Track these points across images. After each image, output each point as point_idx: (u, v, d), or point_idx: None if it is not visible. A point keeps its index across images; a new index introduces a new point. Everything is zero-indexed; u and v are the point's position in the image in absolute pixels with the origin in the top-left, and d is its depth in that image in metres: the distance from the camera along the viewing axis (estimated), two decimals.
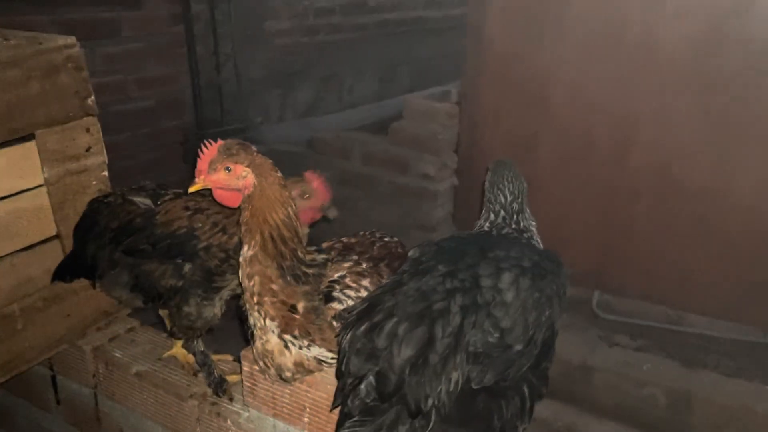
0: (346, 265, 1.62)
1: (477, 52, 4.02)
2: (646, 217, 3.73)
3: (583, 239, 3.95)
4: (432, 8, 7.52)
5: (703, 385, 3.12)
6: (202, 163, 1.55)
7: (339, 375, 1.33)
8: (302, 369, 1.59)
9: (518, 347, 1.31)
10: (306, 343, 1.54)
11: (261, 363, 1.61)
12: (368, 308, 1.33)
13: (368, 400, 1.25)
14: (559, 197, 3.96)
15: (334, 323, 1.52)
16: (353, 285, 1.57)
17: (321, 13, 6.34)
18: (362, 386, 1.26)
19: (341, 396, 1.30)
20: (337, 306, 1.53)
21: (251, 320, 1.59)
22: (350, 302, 1.53)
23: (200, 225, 1.82)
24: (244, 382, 1.73)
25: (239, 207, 1.59)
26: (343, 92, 6.91)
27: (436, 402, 1.24)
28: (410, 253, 1.55)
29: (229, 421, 1.82)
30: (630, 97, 3.57)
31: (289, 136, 5.34)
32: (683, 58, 3.36)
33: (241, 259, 1.57)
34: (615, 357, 3.37)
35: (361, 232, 1.93)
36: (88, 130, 1.95)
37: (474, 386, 1.28)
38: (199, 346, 1.96)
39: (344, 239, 1.81)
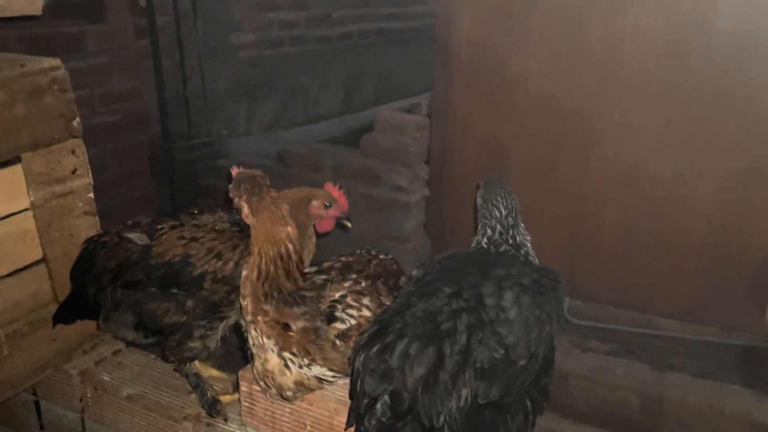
0: (346, 284, 1.65)
1: (446, 64, 4.09)
2: (612, 224, 3.85)
3: (553, 246, 4.05)
4: (395, 20, 7.61)
5: (673, 386, 3.23)
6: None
7: (353, 395, 1.35)
8: (303, 388, 1.61)
9: (522, 362, 1.35)
10: (306, 362, 1.56)
11: (262, 383, 1.62)
12: (379, 330, 1.37)
13: (384, 419, 1.29)
14: (529, 205, 3.99)
15: (338, 342, 1.54)
16: (354, 304, 1.60)
17: (285, 25, 6.36)
18: (378, 406, 1.29)
19: (356, 416, 1.32)
20: (340, 326, 1.56)
21: (249, 339, 1.60)
22: (353, 321, 1.57)
23: (194, 252, 1.83)
24: (242, 402, 1.74)
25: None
26: (308, 104, 6.92)
27: (447, 418, 1.27)
28: (414, 273, 1.58)
29: None
30: (595, 109, 3.69)
31: (256, 148, 5.32)
32: (644, 72, 3.49)
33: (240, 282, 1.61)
34: (589, 362, 3.46)
35: (358, 251, 1.96)
36: (73, 152, 1.93)
37: (480, 401, 1.32)
38: (192, 368, 1.96)
39: (343, 258, 1.83)
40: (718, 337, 3.66)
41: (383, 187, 4.34)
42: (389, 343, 1.31)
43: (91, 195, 2.03)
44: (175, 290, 1.82)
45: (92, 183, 2.05)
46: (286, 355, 1.57)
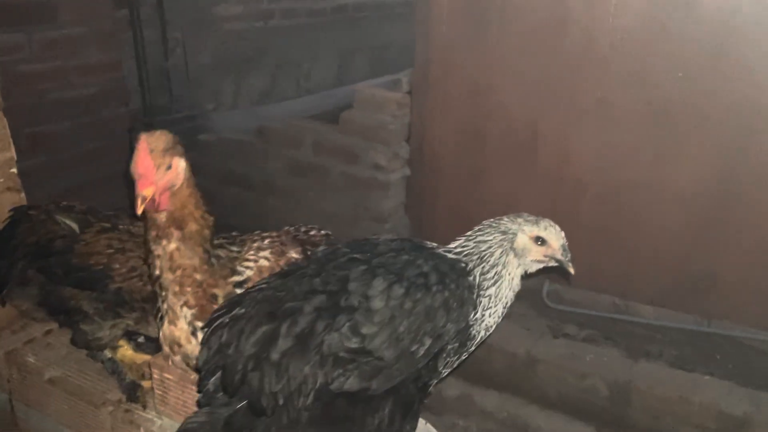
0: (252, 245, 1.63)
1: (425, 42, 3.97)
2: (590, 207, 3.75)
3: None
4: None
5: (643, 375, 3.15)
6: (145, 169, 1.40)
7: (196, 369, 1.36)
8: None
9: (387, 355, 1.27)
10: None
11: (167, 348, 1.58)
12: (229, 305, 1.33)
13: (218, 396, 1.27)
14: (507, 187, 3.96)
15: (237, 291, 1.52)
16: (252, 257, 1.57)
17: None
18: (212, 380, 1.28)
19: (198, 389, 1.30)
20: (236, 278, 1.55)
21: (164, 306, 1.56)
22: (249, 273, 1.54)
23: (117, 266, 1.77)
24: (155, 390, 1.69)
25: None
26: (299, 79, 6.81)
27: (281, 401, 1.23)
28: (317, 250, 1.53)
29: (142, 429, 1.76)
30: (574, 88, 3.56)
31: (241, 123, 5.22)
32: (623, 52, 3.35)
33: (158, 252, 1.52)
34: (559, 348, 3.39)
35: (287, 227, 1.89)
36: None
37: (334, 390, 1.26)
38: (106, 354, 1.90)
39: (265, 235, 1.76)
40: (698, 325, 3.57)
41: (362, 166, 4.26)
42: (233, 317, 1.28)
43: (14, 170, 1.95)
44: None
45: (15, 158, 1.97)
46: (198, 324, 1.54)
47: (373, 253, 1.38)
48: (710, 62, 3.16)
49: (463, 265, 1.44)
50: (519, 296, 4.07)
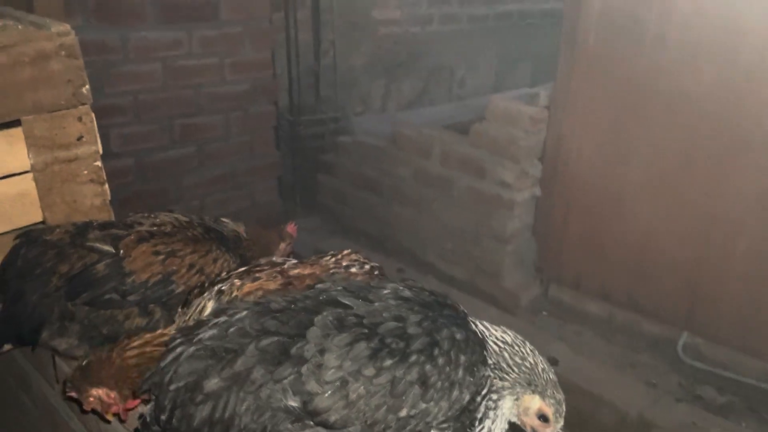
0: None
1: (570, 53, 3.63)
2: (748, 253, 3.21)
3: (672, 270, 3.47)
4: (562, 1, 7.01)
5: None
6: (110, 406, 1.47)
7: None
8: None
9: (332, 423, 1.06)
10: None
11: None
12: (193, 325, 1.23)
13: (154, 428, 1.16)
14: (648, 220, 3.51)
15: None
16: None
17: (436, 1, 6.13)
18: (149, 410, 1.18)
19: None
20: None
21: None
22: None
23: (175, 269, 1.70)
24: None
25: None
26: (453, 85, 6.66)
27: None
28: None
29: None
30: (741, 114, 3.06)
31: (382, 128, 5.16)
32: None
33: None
34: (680, 414, 2.91)
35: (324, 262, 1.69)
36: (80, 119, 1.93)
37: None
38: None
39: (296, 270, 1.60)
40: None
41: (488, 181, 4.01)
42: (182, 342, 1.16)
43: (99, 164, 2.02)
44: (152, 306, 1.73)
45: (100, 151, 2.04)
46: None
47: (364, 300, 1.17)
48: None
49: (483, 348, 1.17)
50: (652, 345, 3.61)
